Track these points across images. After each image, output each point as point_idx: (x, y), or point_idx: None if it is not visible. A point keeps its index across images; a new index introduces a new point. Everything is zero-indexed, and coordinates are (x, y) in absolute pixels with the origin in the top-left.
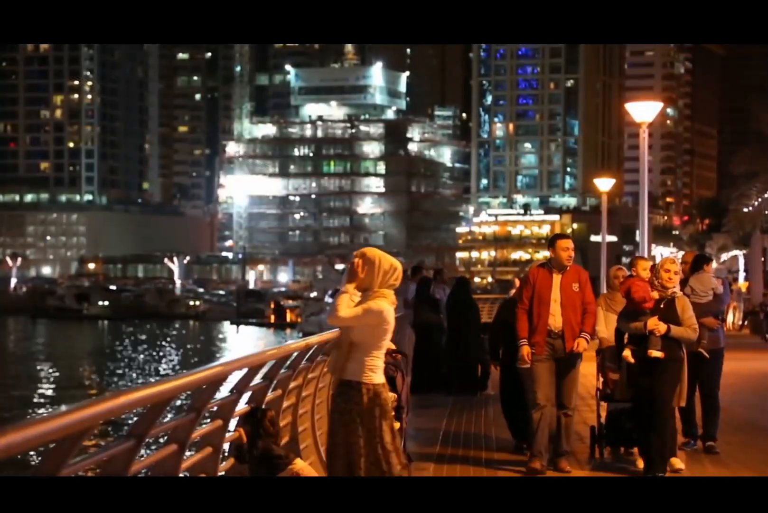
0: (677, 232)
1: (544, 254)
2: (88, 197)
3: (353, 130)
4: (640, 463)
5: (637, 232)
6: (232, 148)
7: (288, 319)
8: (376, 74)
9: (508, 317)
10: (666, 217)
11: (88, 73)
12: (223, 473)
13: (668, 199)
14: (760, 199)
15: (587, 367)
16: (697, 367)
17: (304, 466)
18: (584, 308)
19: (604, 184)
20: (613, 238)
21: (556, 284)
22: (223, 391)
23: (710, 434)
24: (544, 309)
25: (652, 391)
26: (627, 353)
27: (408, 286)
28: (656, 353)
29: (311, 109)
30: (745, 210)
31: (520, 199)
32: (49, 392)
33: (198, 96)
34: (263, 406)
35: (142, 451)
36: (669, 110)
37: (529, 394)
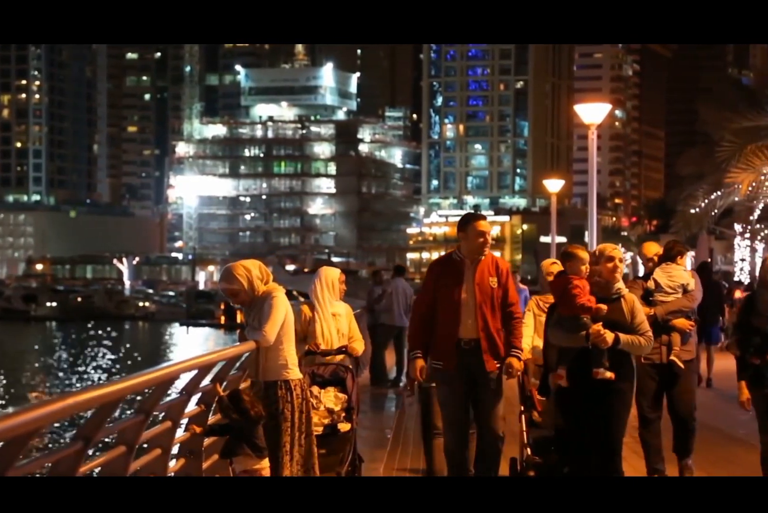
0: (626, 233)
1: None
2: (36, 197)
3: (304, 131)
4: None
5: (586, 232)
6: (182, 149)
7: (238, 320)
8: (327, 75)
9: None
10: (614, 218)
11: (36, 73)
12: (172, 475)
13: (617, 200)
14: (706, 201)
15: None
16: (668, 381)
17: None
18: (506, 312)
19: (554, 185)
20: (563, 239)
21: (468, 279)
22: (173, 393)
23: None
24: (452, 311)
25: (597, 423)
26: (562, 373)
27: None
28: (606, 374)
29: (261, 110)
30: (692, 211)
31: (470, 200)
32: None
33: (147, 96)
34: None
35: (91, 453)
36: (617, 112)
37: (441, 424)
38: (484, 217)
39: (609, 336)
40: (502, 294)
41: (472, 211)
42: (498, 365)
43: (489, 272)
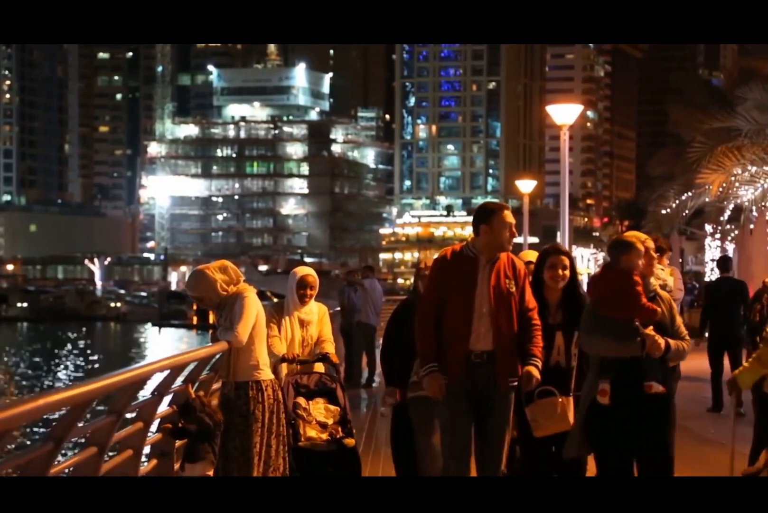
0: (597, 234)
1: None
2: (7, 197)
3: (276, 131)
4: None
5: (558, 233)
6: (154, 149)
7: (211, 321)
8: (299, 75)
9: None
10: (586, 219)
11: (7, 72)
12: (144, 476)
13: (588, 201)
14: (677, 201)
15: None
16: None
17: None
18: (525, 318)
19: (526, 185)
20: (535, 240)
21: (483, 281)
22: (145, 393)
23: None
24: (463, 319)
25: (647, 447)
26: (606, 388)
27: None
28: (658, 387)
29: (234, 110)
30: (663, 212)
31: (442, 200)
32: None
33: (119, 96)
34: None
35: (62, 454)
36: (589, 113)
37: (441, 448)
38: (508, 207)
39: (662, 341)
40: (519, 299)
41: (494, 200)
42: (513, 383)
43: (506, 274)
